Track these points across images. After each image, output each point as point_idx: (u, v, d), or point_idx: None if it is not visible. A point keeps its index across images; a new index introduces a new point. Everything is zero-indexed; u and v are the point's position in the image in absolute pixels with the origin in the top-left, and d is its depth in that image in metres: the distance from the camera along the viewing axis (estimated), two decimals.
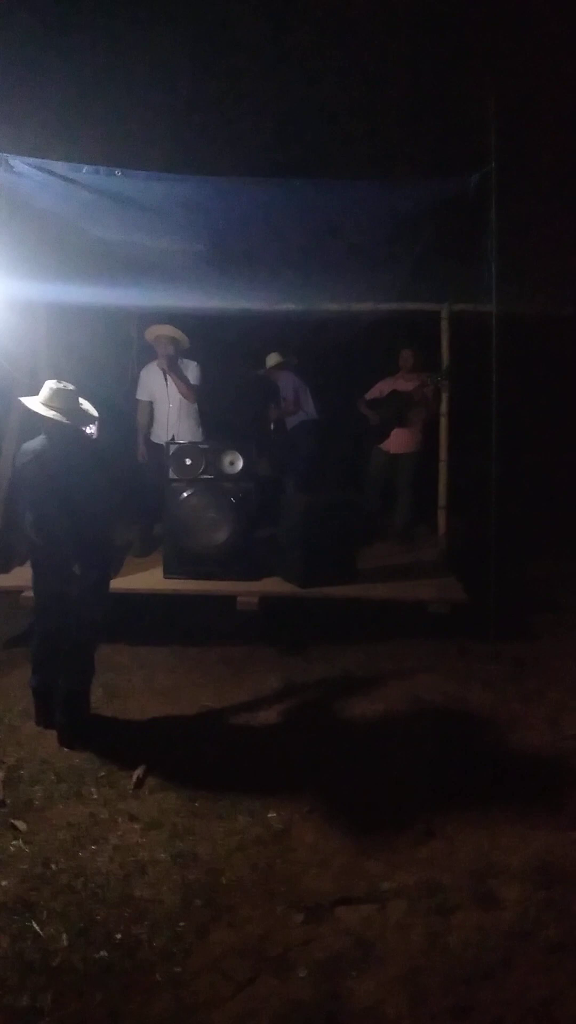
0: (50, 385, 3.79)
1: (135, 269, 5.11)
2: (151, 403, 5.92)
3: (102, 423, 5.16)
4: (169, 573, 5.26)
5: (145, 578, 5.31)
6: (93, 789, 3.44)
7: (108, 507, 4.03)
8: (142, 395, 5.95)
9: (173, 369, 5.69)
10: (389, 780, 3.49)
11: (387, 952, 2.35)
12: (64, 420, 3.73)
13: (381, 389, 6.42)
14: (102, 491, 3.94)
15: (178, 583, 5.20)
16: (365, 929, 2.45)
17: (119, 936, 2.48)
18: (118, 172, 4.47)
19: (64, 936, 2.48)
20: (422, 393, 6.16)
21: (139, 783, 3.49)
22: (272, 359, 6.70)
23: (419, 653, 4.92)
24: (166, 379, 5.77)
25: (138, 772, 3.54)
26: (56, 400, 3.76)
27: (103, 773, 3.57)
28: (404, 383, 6.31)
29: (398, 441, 6.31)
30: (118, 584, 5.08)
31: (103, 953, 2.40)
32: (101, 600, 3.99)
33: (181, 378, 5.71)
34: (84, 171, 4.49)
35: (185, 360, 5.83)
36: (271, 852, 2.93)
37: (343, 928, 2.47)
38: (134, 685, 4.55)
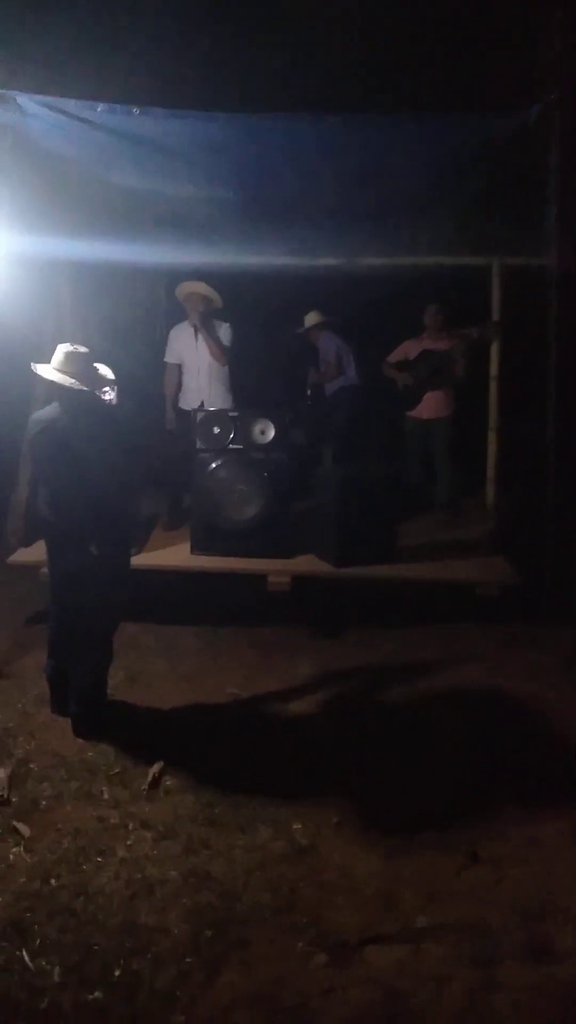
0: (63, 349, 3.49)
1: (159, 221, 4.74)
2: (180, 367, 5.58)
3: (126, 388, 4.85)
4: (196, 549, 4.96)
5: (171, 554, 5.01)
6: (105, 788, 3.17)
7: (129, 479, 3.72)
8: (171, 358, 5.61)
9: (205, 328, 5.32)
10: (429, 788, 3.14)
11: (421, 1010, 2.01)
12: (79, 385, 3.42)
13: (407, 351, 5.95)
14: (122, 462, 3.62)
15: (206, 560, 4.89)
16: (397, 977, 2.13)
17: (118, 973, 2.19)
18: (136, 110, 4.08)
19: (56, 970, 2.20)
20: (460, 351, 5.67)
21: (155, 783, 3.21)
22: (312, 318, 6.25)
23: (465, 640, 4.54)
24: (196, 340, 5.41)
25: (154, 770, 3.27)
26: (69, 364, 3.45)
27: (117, 769, 3.30)
28: (434, 342, 5.83)
29: (431, 405, 5.85)
30: (143, 560, 4.82)
31: (97, 994, 2.12)
32: (120, 581, 3.71)
33: (213, 339, 5.34)
34: (99, 109, 4.10)
35: (216, 321, 5.46)
36: (294, 873, 2.61)
37: (372, 974, 2.14)
38: (157, 669, 4.28)
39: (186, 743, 3.52)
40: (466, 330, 5.66)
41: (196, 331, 5.38)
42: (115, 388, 4.48)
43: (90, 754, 3.43)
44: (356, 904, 2.45)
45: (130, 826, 2.91)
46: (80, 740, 3.53)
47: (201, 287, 5.38)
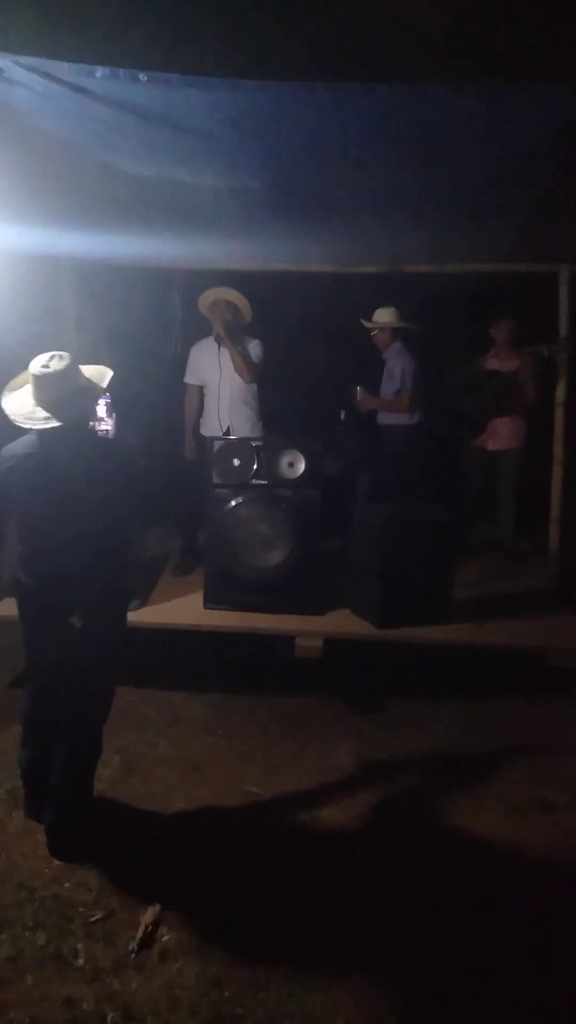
0: (33, 372, 2.68)
1: (172, 216, 4.00)
2: (201, 388, 4.87)
3: (130, 413, 4.11)
4: (211, 603, 4.20)
5: (181, 608, 4.25)
6: (80, 946, 2.40)
7: (128, 526, 2.96)
8: (191, 378, 4.91)
9: (231, 338, 4.59)
10: (508, 961, 2.33)
11: None
12: (54, 423, 2.64)
13: (474, 372, 5.18)
14: (119, 504, 2.87)
15: (222, 616, 4.13)
16: None
17: None
18: (143, 76, 3.29)
19: None
20: (529, 372, 4.92)
21: (147, 938, 2.43)
22: (385, 315, 5.07)
23: (539, 721, 3.72)
24: (219, 356, 4.69)
25: (147, 919, 2.49)
26: (43, 391, 2.66)
27: (99, 914, 2.54)
28: (502, 361, 5.07)
29: (500, 434, 5.08)
30: (147, 616, 4.09)
31: None
32: (113, 656, 2.96)
33: (239, 351, 4.61)
34: (99, 75, 3.32)
35: (245, 337, 4.74)
36: None
37: None
38: (159, 753, 3.53)
39: (190, 872, 2.75)
40: (536, 348, 4.90)
41: (219, 345, 4.67)
42: (112, 415, 3.75)
43: (67, 885, 2.68)
44: None
45: (108, 1018, 2.13)
46: (57, 861, 2.77)
47: (229, 293, 4.69)
